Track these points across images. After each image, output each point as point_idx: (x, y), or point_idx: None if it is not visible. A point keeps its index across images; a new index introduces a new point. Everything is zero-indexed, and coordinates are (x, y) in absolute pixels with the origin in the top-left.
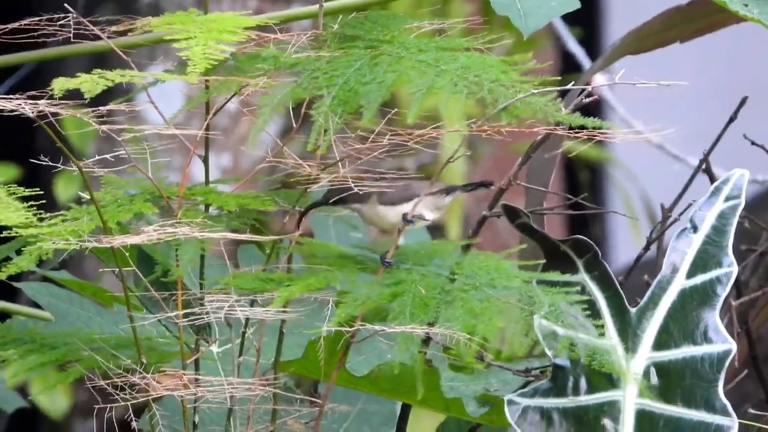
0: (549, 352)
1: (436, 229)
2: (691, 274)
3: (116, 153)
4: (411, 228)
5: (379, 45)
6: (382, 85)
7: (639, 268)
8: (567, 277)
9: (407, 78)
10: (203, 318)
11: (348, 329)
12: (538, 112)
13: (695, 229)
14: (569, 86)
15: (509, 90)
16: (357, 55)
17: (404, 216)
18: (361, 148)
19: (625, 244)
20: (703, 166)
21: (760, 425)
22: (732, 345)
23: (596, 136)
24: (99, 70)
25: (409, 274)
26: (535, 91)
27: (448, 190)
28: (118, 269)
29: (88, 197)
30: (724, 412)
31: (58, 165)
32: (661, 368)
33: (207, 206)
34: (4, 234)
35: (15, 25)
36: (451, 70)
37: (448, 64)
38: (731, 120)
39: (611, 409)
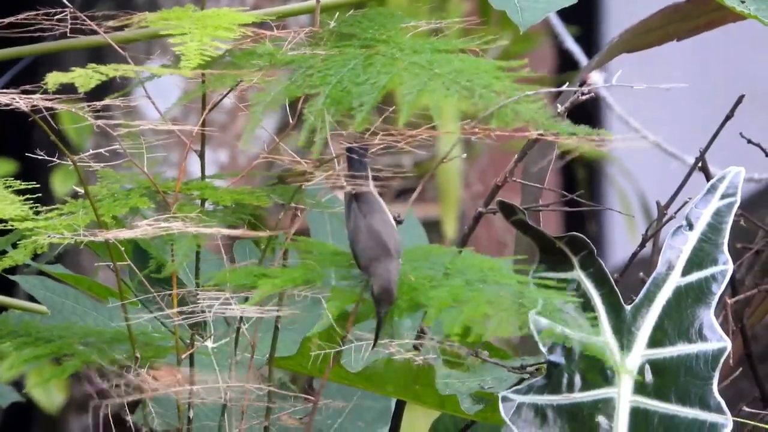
0: (543, 349)
1: (433, 226)
2: (686, 272)
3: (112, 147)
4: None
5: (375, 44)
6: (375, 86)
7: (635, 266)
8: (562, 274)
9: (400, 80)
10: (198, 314)
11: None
12: (528, 120)
13: (691, 226)
14: (565, 86)
15: (500, 96)
16: (351, 55)
17: (395, 218)
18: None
19: (622, 242)
20: (700, 164)
21: (755, 423)
22: (727, 343)
23: (592, 139)
24: (93, 65)
25: (401, 265)
26: (527, 93)
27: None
28: (112, 264)
29: (84, 192)
30: (719, 410)
31: (54, 159)
32: (656, 366)
33: (203, 201)
34: (1, 227)
35: (12, 19)
36: (443, 74)
37: (442, 67)
38: (728, 118)
39: (605, 407)
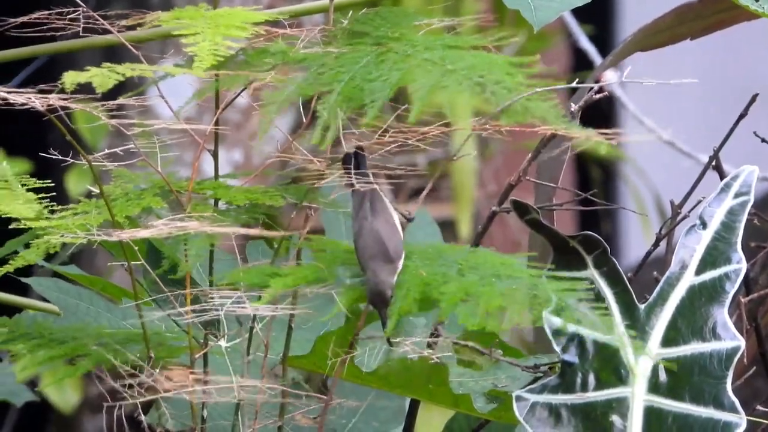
0: (557, 348)
1: (447, 225)
2: (700, 271)
3: (126, 147)
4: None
5: (387, 42)
6: (387, 82)
7: (648, 265)
8: (575, 273)
9: (412, 76)
10: (211, 314)
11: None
12: (541, 117)
13: (704, 225)
14: (577, 84)
15: (512, 92)
16: (364, 52)
17: (405, 216)
18: (371, 144)
19: (636, 241)
20: (713, 163)
21: None
22: (741, 342)
23: (606, 135)
24: (109, 64)
25: (412, 262)
26: (538, 90)
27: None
28: (126, 263)
29: (98, 191)
30: (733, 409)
31: (68, 159)
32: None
33: (216, 201)
34: (13, 226)
35: (25, 18)
36: (456, 70)
37: (455, 63)
38: (741, 117)
39: (619, 406)
